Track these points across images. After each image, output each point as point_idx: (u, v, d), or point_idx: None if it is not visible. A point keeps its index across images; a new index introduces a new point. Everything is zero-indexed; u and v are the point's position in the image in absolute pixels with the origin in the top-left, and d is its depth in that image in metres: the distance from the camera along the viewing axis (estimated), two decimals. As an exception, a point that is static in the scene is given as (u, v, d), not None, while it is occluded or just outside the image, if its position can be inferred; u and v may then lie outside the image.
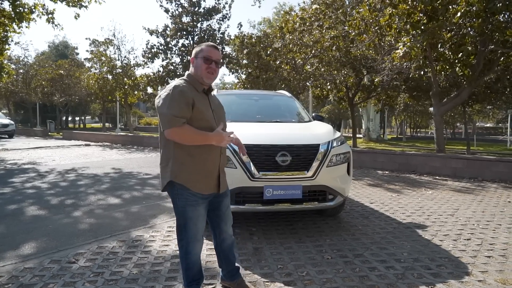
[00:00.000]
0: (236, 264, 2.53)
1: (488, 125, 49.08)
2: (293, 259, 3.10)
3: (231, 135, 2.18)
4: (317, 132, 4.07)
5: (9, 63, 23.86)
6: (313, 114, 5.32)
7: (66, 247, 3.36)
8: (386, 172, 8.72)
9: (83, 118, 44.51)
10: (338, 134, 4.15)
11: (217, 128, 2.14)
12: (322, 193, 3.73)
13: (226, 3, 16.70)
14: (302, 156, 3.59)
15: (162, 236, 3.71)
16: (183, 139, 2.08)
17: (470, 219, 4.44)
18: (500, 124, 40.65)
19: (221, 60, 2.23)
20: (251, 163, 3.47)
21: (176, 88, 2.08)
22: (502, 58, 9.40)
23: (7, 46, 13.02)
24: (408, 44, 8.19)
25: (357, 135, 19.85)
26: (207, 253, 3.22)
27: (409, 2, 8.19)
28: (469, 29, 8.53)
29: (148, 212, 4.70)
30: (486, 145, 21.88)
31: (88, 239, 3.59)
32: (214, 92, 2.48)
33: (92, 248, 3.33)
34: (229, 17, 16.95)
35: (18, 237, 3.63)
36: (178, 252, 3.22)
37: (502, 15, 8.34)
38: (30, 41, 63.84)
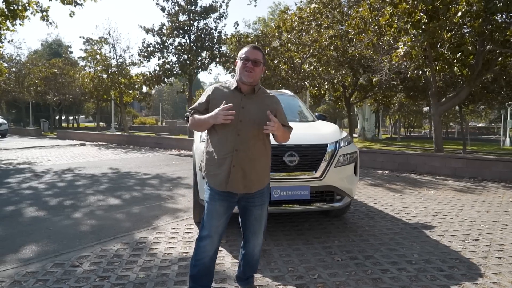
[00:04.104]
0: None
1: (480, 124, 49.58)
2: (303, 261, 3.04)
3: (228, 110, 2.02)
4: (324, 131, 4.01)
5: (1, 62, 23.49)
6: (316, 114, 5.26)
7: (69, 250, 3.26)
8: (386, 171, 8.70)
9: (76, 117, 44.01)
10: (344, 134, 4.09)
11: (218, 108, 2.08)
12: (330, 194, 3.68)
13: (223, 1, 16.56)
14: (310, 156, 3.54)
15: (166, 238, 3.62)
16: (191, 125, 2.27)
17: (476, 219, 4.42)
18: (492, 124, 41.07)
19: (262, 60, 2.19)
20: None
21: (208, 87, 2.35)
22: (500, 58, 9.45)
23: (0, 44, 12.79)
24: (408, 43, 8.17)
25: (353, 135, 19.86)
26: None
27: (410, 2, 8.17)
28: (469, 29, 8.54)
29: (150, 213, 4.60)
30: (479, 145, 22.03)
31: (90, 241, 3.49)
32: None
33: (96, 251, 3.23)
34: (226, 16, 16.83)
35: (18, 240, 3.52)
36: (185, 254, 3.17)
37: (501, 15, 8.37)
38: (23, 39, 62.73)
